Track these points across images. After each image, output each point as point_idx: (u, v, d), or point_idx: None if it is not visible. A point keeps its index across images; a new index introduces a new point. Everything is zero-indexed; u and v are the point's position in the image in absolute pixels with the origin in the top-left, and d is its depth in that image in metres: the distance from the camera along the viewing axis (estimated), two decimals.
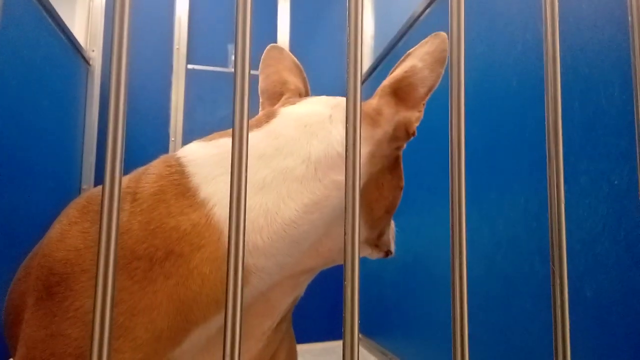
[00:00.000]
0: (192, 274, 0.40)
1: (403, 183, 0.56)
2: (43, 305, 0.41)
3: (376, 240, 0.58)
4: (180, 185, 0.43)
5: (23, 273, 0.49)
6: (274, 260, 0.44)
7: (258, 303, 0.47)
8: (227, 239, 0.41)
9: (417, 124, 0.52)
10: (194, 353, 0.44)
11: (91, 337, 0.21)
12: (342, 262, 0.51)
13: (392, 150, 0.53)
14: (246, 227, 0.43)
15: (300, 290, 0.54)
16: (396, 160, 0.55)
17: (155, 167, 0.46)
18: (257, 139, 0.49)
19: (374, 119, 0.51)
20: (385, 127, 0.51)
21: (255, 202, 0.45)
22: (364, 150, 0.50)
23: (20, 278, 0.49)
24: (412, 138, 0.53)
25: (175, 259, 0.40)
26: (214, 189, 0.44)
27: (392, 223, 0.65)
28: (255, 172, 0.47)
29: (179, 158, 0.46)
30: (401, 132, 0.52)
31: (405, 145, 0.55)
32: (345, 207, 0.24)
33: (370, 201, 0.52)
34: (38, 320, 0.40)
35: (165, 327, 0.39)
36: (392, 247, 0.63)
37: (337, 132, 0.49)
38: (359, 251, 0.56)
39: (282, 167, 0.46)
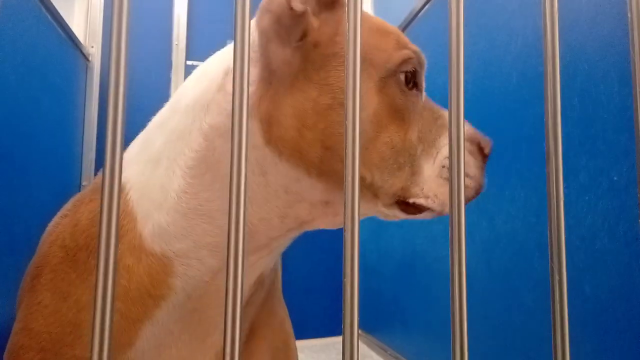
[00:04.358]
0: (117, 268, 0.38)
1: (336, 99, 0.37)
2: (24, 298, 0.41)
3: (372, 190, 0.40)
4: None
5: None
6: (188, 242, 0.38)
7: (209, 294, 0.41)
8: (142, 226, 0.38)
9: None
10: (157, 351, 0.40)
11: (91, 338, 0.22)
12: (297, 230, 0.42)
13: (293, 48, 0.38)
14: (147, 207, 0.39)
15: (263, 270, 0.45)
16: (312, 64, 0.38)
17: None
18: (164, 108, 0.44)
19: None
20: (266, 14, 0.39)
21: (154, 178, 0.39)
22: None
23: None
24: (300, 19, 0.38)
25: None
26: (129, 172, 0.41)
27: (438, 165, 0.44)
28: (152, 143, 0.41)
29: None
30: (285, 16, 0.38)
31: (312, 37, 0.39)
32: (345, 201, 0.24)
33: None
34: (19, 313, 0.41)
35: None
36: (423, 199, 0.42)
37: (219, 65, 0.41)
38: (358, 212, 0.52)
39: (170, 127, 0.41)
